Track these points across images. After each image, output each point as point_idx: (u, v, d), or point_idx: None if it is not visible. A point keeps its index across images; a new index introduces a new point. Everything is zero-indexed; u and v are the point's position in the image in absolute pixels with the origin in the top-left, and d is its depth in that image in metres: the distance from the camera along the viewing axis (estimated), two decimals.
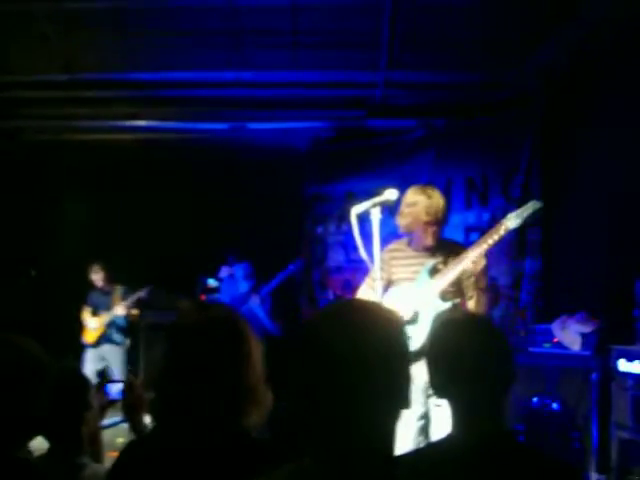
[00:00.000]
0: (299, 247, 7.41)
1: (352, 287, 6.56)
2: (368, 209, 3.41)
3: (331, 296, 6.71)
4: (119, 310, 6.57)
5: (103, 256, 7.07)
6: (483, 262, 3.38)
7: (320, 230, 7.32)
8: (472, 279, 3.50)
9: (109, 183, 7.65)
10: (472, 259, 3.37)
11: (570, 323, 4.50)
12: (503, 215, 5.81)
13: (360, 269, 5.35)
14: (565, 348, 4.54)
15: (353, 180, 6.89)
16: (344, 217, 6.98)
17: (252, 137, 7.20)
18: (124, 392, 2.20)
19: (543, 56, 5.36)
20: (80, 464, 2.07)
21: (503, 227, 3.41)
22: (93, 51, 5.50)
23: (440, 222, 3.61)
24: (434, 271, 3.54)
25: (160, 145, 7.38)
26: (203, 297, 6.61)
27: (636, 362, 3.88)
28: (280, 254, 7.16)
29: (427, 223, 3.56)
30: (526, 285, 5.77)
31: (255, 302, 6.28)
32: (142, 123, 6.67)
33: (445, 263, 3.54)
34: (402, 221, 3.60)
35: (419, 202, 3.55)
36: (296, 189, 7.46)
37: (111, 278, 6.82)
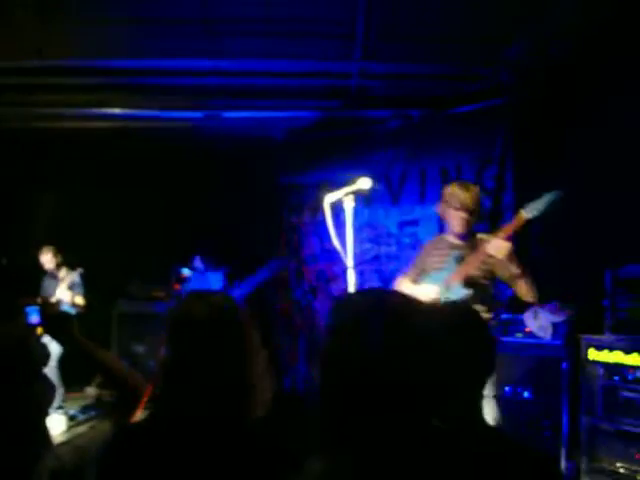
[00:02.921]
0: (273, 237, 7.40)
1: (327, 277, 6.57)
2: (341, 198, 3.44)
3: (306, 286, 6.70)
4: (63, 295, 6.41)
5: (74, 245, 6.99)
6: (506, 246, 3.50)
7: (295, 219, 7.31)
8: (504, 266, 3.65)
9: (80, 171, 7.56)
10: (489, 251, 3.54)
11: (541, 313, 4.56)
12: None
13: (334, 258, 5.36)
14: (537, 338, 4.59)
15: (328, 169, 6.89)
16: (318, 206, 6.97)
17: (227, 126, 7.15)
18: (41, 311, 2.12)
19: (517, 48, 5.39)
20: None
21: (521, 217, 3.52)
22: (64, 37, 5.40)
23: (473, 220, 3.85)
24: (460, 259, 3.73)
25: (133, 133, 7.29)
26: (177, 286, 6.56)
27: (605, 351, 3.95)
28: (254, 244, 7.16)
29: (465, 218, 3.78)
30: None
31: None
32: (115, 111, 6.58)
33: (471, 252, 3.73)
34: (443, 213, 3.90)
35: (462, 205, 3.75)
36: (271, 178, 7.44)
37: (62, 263, 6.69)
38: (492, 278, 3.79)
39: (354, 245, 3.55)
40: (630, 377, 3.84)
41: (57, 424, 5.77)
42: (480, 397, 1.64)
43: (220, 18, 5.09)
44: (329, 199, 3.46)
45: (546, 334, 4.52)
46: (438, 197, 6.22)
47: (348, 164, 6.61)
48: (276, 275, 6.31)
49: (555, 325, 4.49)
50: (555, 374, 4.34)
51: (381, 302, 1.32)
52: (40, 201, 7.71)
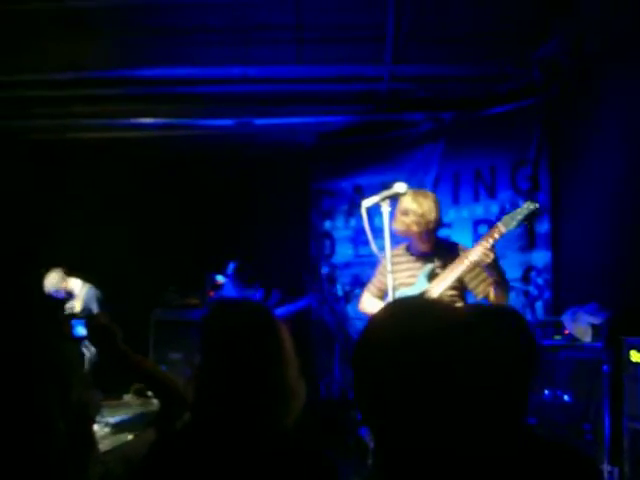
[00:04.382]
0: (305, 243, 7.42)
1: (360, 282, 6.55)
2: (378, 203, 3.42)
3: (339, 292, 6.69)
4: (76, 307, 6.33)
5: (108, 255, 7.06)
6: (492, 256, 3.37)
7: (328, 225, 7.32)
8: (476, 275, 3.54)
9: (116, 181, 7.65)
10: (468, 265, 3.41)
11: (581, 314, 4.48)
12: (512, 207, 5.88)
13: (369, 264, 5.35)
14: (576, 340, 4.52)
15: (360, 174, 6.89)
16: (352, 212, 6.97)
17: (258, 133, 7.19)
18: (87, 325, 2.15)
19: (549, 47, 5.34)
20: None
21: (497, 231, 3.41)
22: (98, 49, 5.49)
23: (432, 230, 3.66)
24: (432, 276, 3.61)
25: (167, 142, 7.38)
26: (212, 293, 6.61)
27: None
28: (287, 250, 7.17)
29: (419, 232, 3.62)
30: (535, 277, 5.76)
31: None
32: (148, 120, 6.66)
33: (443, 267, 3.59)
34: (396, 227, 3.64)
35: (410, 212, 3.58)
36: (303, 184, 7.46)
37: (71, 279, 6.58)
38: (463, 294, 3.68)
39: (391, 249, 3.52)
40: None
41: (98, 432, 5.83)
42: (524, 401, 1.62)
43: (251, 26, 5.13)
44: (365, 204, 3.44)
45: (586, 336, 4.45)
46: (472, 199, 6.27)
47: (380, 168, 6.60)
48: (311, 307, 6.34)
49: (595, 327, 4.42)
50: (596, 377, 4.26)
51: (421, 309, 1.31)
52: (73, 212, 7.79)
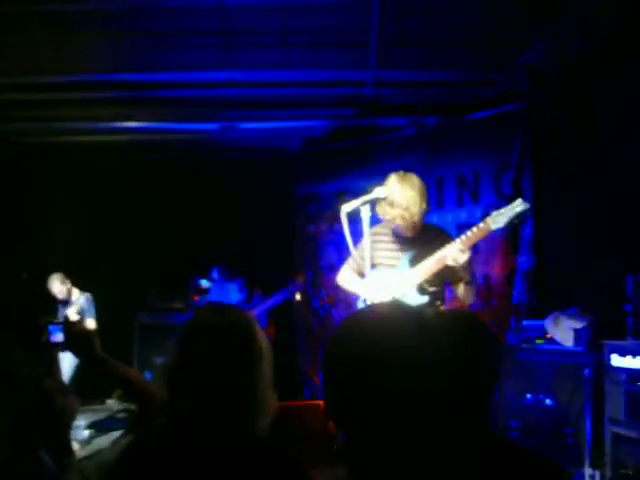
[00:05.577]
0: (290, 247, 7.41)
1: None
2: (358, 207, 3.41)
3: (324, 295, 6.70)
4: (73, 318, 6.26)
5: (93, 259, 7.03)
6: (465, 257, 3.36)
7: (312, 229, 7.31)
8: (454, 272, 3.51)
9: (99, 185, 7.63)
10: (452, 256, 3.37)
11: (562, 319, 4.51)
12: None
13: None
14: (558, 344, 4.55)
15: (344, 179, 6.89)
16: (335, 216, 6.96)
17: (243, 137, 7.20)
18: (64, 331, 2.14)
19: (532, 53, 5.37)
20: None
21: (486, 228, 3.40)
22: (81, 52, 5.47)
23: (418, 220, 3.58)
24: (414, 261, 3.56)
25: (151, 146, 7.36)
26: (196, 298, 6.59)
27: (628, 357, 3.90)
28: (271, 254, 7.17)
29: (404, 224, 3.58)
30: (519, 281, 5.78)
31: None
32: (132, 124, 6.65)
33: (426, 254, 3.53)
34: (381, 214, 3.58)
35: (395, 205, 3.50)
36: (287, 189, 7.46)
37: (72, 287, 6.67)
38: (444, 284, 3.66)
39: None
40: None
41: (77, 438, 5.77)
42: (487, 405, 1.62)
43: (236, 30, 5.13)
44: (345, 208, 3.43)
45: (567, 340, 4.47)
46: (455, 204, 6.30)
47: (365, 173, 6.60)
48: (293, 298, 6.33)
49: (577, 331, 4.44)
50: (577, 381, 4.29)
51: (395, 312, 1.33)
52: (58, 215, 7.75)
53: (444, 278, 3.62)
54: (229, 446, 1.56)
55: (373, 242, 3.62)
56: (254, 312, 5.95)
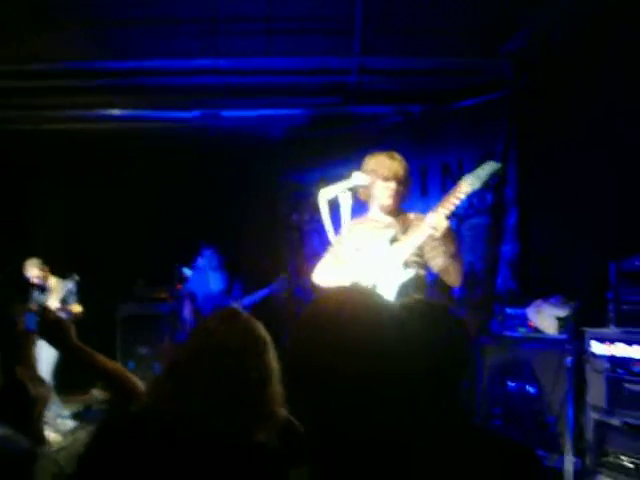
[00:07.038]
0: (275, 236, 7.40)
1: None
2: (338, 194, 3.36)
3: (307, 283, 6.68)
4: (54, 305, 6.19)
5: (77, 247, 6.98)
6: (444, 224, 3.23)
7: (296, 218, 7.29)
8: (436, 246, 3.40)
9: (82, 173, 7.57)
10: (431, 224, 3.23)
11: (545, 307, 4.52)
12: (480, 201, 5.90)
13: None
14: (540, 332, 4.56)
15: (328, 167, 6.84)
16: (317, 204, 6.93)
17: (227, 126, 7.15)
18: (39, 319, 2.13)
19: (517, 39, 5.36)
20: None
21: (462, 191, 3.29)
22: (64, 40, 5.41)
23: (403, 189, 3.62)
24: (394, 240, 3.48)
25: (134, 134, 7.30)
26: (179, 287, 6.56)
27: (610, 344, 3.91)
28: (255, 243, 7.15)
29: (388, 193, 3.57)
30: (503, 269, 5.79)
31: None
32: (115, 112, 6.60)
33: (405, 232, 3.47)
34: (363, 194, 3.62)
35: (379, 174, 3.54)
36: (272, 177, 7.43)
37: (49, 274, 6.54)
38: (425, 264, 3.53)
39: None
40: (635, 370, 3.80)
41: (55, 429, 5.73)
42: (455, 394, 1.62)
43: (219, 17, 5.09)
44: (324, 194, 3.37)
45: (550, 328, 4.48)
46: (440, 193, 6.28)
47: (349, 161, 6.52)
48: (279, 294, 6.33)
49: (559, 319, 4.45)
50: (560, 368, 4.30)
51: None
52: (42, 203, 7.69)
53: (424, 260, 3.51)
54: (209, 442, 1.54)
55: (352, 230, 3.53)
56: (242, 303, 5.96)
